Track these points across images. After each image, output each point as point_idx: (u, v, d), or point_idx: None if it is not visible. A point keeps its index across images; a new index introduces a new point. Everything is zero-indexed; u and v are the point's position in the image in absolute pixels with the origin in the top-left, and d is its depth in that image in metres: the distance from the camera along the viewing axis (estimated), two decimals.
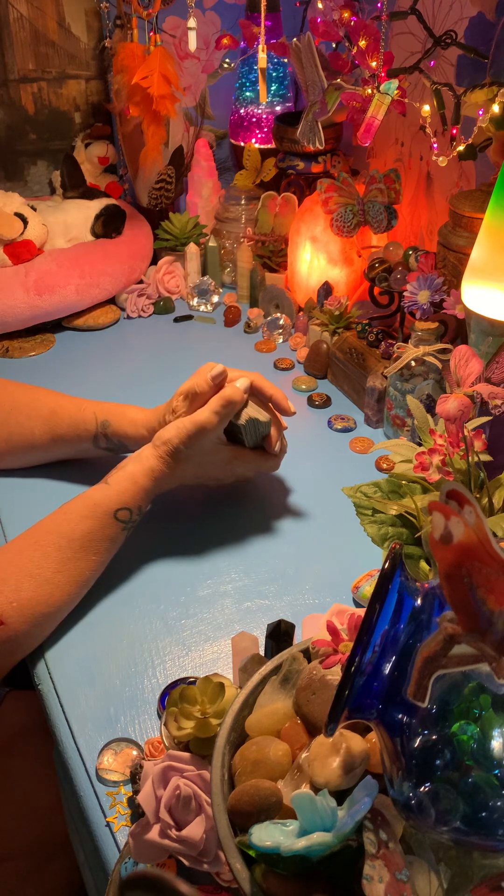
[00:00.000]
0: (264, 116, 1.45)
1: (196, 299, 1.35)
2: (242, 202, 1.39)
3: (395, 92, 1.00)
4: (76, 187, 1.35)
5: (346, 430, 1.06)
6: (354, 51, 1.04)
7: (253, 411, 0.87)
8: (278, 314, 1.28)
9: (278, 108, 1.46)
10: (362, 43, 1.03)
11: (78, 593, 0.78)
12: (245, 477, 0.92)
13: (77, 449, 0.94)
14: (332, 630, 0.57)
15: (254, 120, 1.46)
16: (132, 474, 0.82)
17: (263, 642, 0.70)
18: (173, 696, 0.62)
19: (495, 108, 0.90)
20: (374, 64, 1.03)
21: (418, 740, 0.45)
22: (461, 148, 0.96)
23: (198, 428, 0.82)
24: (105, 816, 0.63)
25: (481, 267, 0.80)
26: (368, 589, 0.78)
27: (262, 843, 0.45)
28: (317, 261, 1.21)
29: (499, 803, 0.43)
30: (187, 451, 0.83)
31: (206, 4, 1.42)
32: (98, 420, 0.92)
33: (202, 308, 1.36)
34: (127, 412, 0.92)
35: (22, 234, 1.22)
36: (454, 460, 0.71)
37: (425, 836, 0.47)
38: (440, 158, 0.96)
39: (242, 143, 1.44)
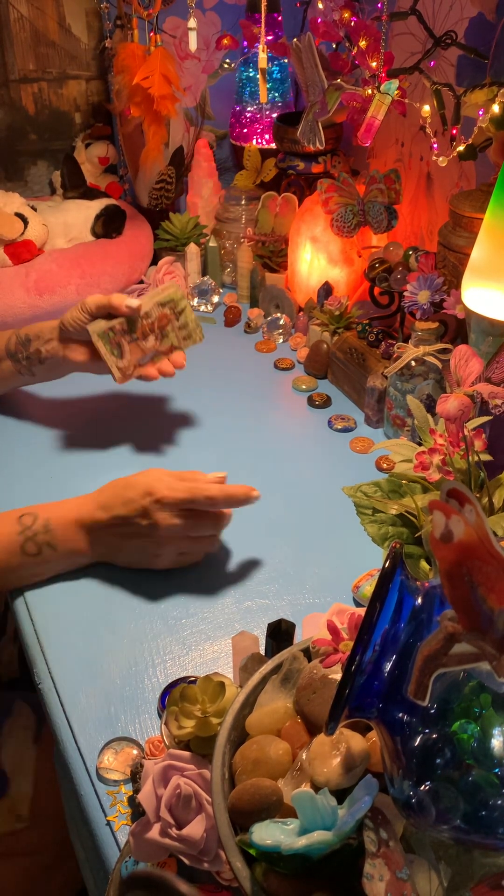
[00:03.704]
0: (264, 117, 1.45)
1: (196, 299, 1.35)
2: (243, 202, 1.39)
3: (396, 92, 1.00)
4: (76, 187, 1.35)
5: (346, 430, 1.06)
6: (355, 51, 1.04)
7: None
8: (278, 314, 1.28)
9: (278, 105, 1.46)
10: (362, 43, 1.03)
11: None
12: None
13: None
14: (332, 629, 0.57)
15: (254, 120, 1.46)
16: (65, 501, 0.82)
17: (264, 641, 0.70)
18: (174, 696, 0.62)
19: (495, 109, 0.90)
20: (374, 64, 1.03)
21: (419, 739, 0.45)
22: (461, 148, 0.96)
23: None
24: (105, 815, 0.63)
25: (481, 267, 0.80)
26: (369, 588, 0.78)
27: (263, 841, 0.45)
28: (317, 261, 1.21)
29: (499, 802, 0.43)
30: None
31: (207, 5, 1.42)
32: (14, 331, 1.00)
33: (202, 308, 1.36)
34: None
35: (22, 234, 1.22)
36: (454, 460, 0.71)
37: (426, 835, 0.47)
38: (440, 158, 0.96)
39: (241, 144, 1.44)
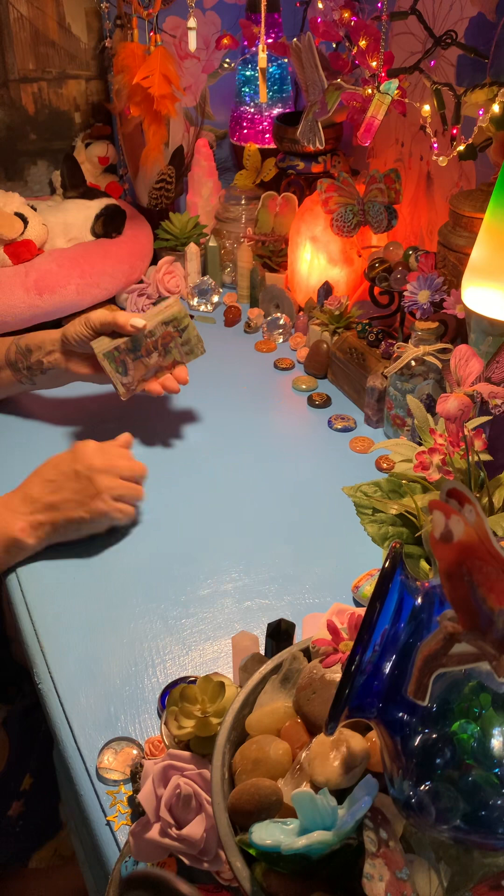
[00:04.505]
0: (263, 115, 1.45)
1: (196, 299, 1.35)
2: (242, 202, 1.39)
3: (396, 92, 1.00)
4: (76, 187, 1.35)
5: (346, 429, 1.06)
6: (355, 51, 1.04)
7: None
8: (278, 314, 1.28)
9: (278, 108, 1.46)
10: (362, 43, 1.03)
11: None
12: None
13: None
14: (332, 629, 0.57)
15: (255, 120, 1.46)
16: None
17: (264, 641, 0.70)
18: (174, 695, 0.62)
19: (495, 108, 0.90)
20: (374, 64, 1.03)
21: (418, 739, 0.45)
22: (461, 148, 0.96)
23: None
24: (105, 815, 0.63)
25: (481, 267, 0.80)
26: (368, 588, 0.78)
27: (263, 841, 0.45)
28: (317, 261, 1.21)
29: (499, 802, 0.43)
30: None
31: (207, 4, 1.42)
32: (13, 340, 1.00)
33: (202, 308, 1.36)
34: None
35: (22, 233, 1.22)
36: (454, 460, 0.71)
37: (425, 835, 0.47)
38: (440, 158, 0.96)
39: (241, 144, 1.44)
